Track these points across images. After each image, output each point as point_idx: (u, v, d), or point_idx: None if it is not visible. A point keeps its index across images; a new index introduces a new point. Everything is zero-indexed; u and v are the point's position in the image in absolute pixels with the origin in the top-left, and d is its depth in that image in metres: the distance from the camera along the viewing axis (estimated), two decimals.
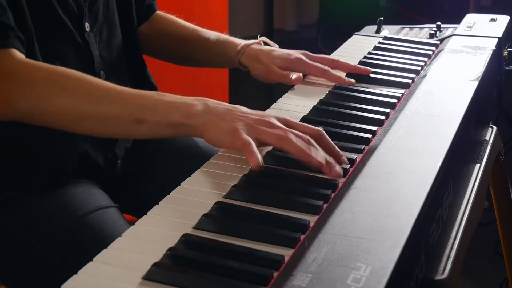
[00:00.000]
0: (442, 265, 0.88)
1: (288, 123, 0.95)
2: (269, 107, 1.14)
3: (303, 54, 1.29)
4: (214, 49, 1.34)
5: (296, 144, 0.90)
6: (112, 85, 0.99)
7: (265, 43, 1.34)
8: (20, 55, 1.00)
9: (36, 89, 0.97)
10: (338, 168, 0.88)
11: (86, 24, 1.15)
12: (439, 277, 0.85)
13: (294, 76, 1.24)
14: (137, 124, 0.96)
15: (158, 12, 1.40)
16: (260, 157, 0.89)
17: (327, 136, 0.94)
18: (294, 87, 1.25)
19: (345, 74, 1.28)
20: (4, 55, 0.98)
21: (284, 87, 1.27)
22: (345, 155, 0.94)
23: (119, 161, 1.24)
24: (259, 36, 1.35)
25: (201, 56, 1.37)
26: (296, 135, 0.91)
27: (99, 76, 1.16)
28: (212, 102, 0.96)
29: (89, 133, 1.03)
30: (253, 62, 1.29)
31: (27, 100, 0.97)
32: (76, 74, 1.00)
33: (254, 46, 1.31)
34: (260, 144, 0.93)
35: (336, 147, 0.94)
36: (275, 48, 1.32)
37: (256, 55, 1.29)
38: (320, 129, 0.95)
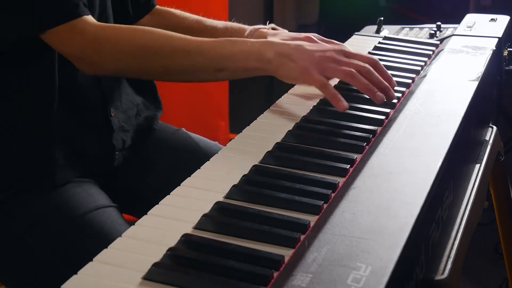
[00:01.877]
0: (442, 265, 0.88)
1: (347, 54, 1.09)
2: (269, 107, 1.14)
3: (312, 35, 1.26)
4: (223, 35, 1.33)
5: (363, 80, 1.05)
6: (190, 39, 1.08)
7: (274, 29, 1.33)
8: (93, 20, 1.07)
9: (120, 53, 1.07)
10: (392, 93, 1.08)
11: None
12: (439, 277, 0.85)
13: None
14: (218, 72, 1.08)
15: (160, 7, 1.40)
16: (343, 100, 1.03)
17: (381, 65, 1.11)
18: (295, 86, 1.25)
19: None
20: (83, 24, 1.06)
21: (284, 86, 1.27)
22: (345, 155, 0.94)
23: (117, 153, 1.24)
24: (268, 22, 1.35)
25: None
26: (358, 66, 1.06)
27: None
28: (280, 45, 1.07)
29: (174, 81, 1.17)
30: None
31: (116, 63, 1.08)
32: (156, 32, 1.08)
33: (263, 30, 1.31)
34: (328, 77, 1.06)
35: (388, 72, 1.11)
36: (286, 32, 1.31)
37: (265, 37, 1.27)
38: (375, 58, 1.11)
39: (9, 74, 1.10)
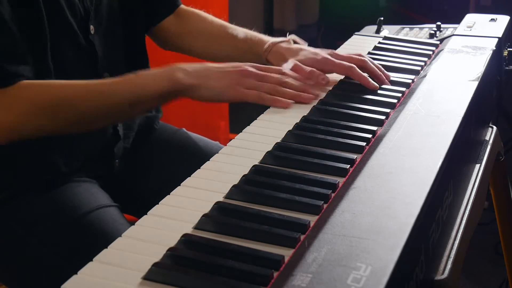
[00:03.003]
0: (442, 265, 0.88)
1: (260, 68, 1.13)
2: (268, 107, 1.14)
3: (330, 53, 1.26)
4: (242, 46, 1.33)
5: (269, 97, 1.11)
6: (101, 81, 1.08)
7: (295, 42, 1.32)
8: (24, 83, 1.03)
9: (36, 110, 1.03)
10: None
11: (91, 27, 1.15)
12: (439, 277, 0.85)
13: (322, 77, 1.21)
14: (133, 106, 1.08)
15: (185, 7, 1.39)
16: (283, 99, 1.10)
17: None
18: None
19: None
20: (9, 90, 1.02)
21: None
22: (345, 155, 0.94)
23: (117, 160, 1.24)
24: (288, 33, 1.33)
25: (228, 53, 1.36)
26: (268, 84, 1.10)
27: (102, 77, 1.17)
28: (189, 65, 1.09)
29: (95, 127, 1.14)
30: (279, 61, 1.26)
31: (31, 122, 1.04)
32: (69, 84, 1.06)
33: (283, 44, 1.29)
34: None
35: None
36: (303, 47, 1.29)
37: (282, 54, 1.27)
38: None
39: None
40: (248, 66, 1.12)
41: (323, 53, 1.25)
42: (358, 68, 1.22)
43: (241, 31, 1.34)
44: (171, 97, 1.09)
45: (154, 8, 1.34)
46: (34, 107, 1.03)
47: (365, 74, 1.20)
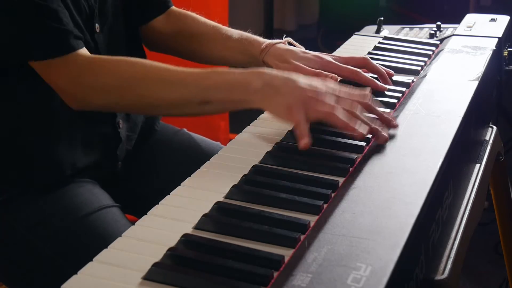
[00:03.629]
0: (442, 265, 0.88)
1: (338, 93, 1.00)
2: None
3: (332, 57, 1.24)
4: (237, 47, 1.31)
5: (342, 121, 0.96)
6: (174, 70, 1.04)
7: (290, 44, 1.31)
8: (84, 53, 1.05)
9: (105, 85, 1.04)
10: (384, 133, 0.97)
11: (96, 25, 1.15)
12: (439, 277, 0.85)
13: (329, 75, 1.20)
14: (204, 104, 1.02)
15: (176, 8, 1.38)
16: (308, 140, 0.94)
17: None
18: None
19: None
20: (70, 59, 1.04)
21: None
22: (345, 155, 0.94)
23: (120, 162, 1.24)
24: (284, 36, 1.33)
25: (222, 54, 1.34)
26: (344, 106, 0.98)
27: None
28: (268, 75, 1.00)
29: (160, 114, 1.14)
30: (278, 62, 1.25)
31: (99, 96, 1.05)
32: (140, 63, 1.05)
33: (280, 45, 1.27)
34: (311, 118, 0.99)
35: (385, 114, 1.02)
36: (302, 49, 1.27)
37: (282, 55, 1.25)
38: (368, 99, 1.02)
39: (20, 88, 1.11)
40: (332, 89, 1.00)
41: (326, 56, 1.24)
42: (361, 67, 1.22)
43: (235, 32, 1.32)
44: (244, 105, 1.01)
45: (144, 7, 1.32)
46: (102, 84, 1.04)
47: (370, 75, 1.20)
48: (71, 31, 1.04)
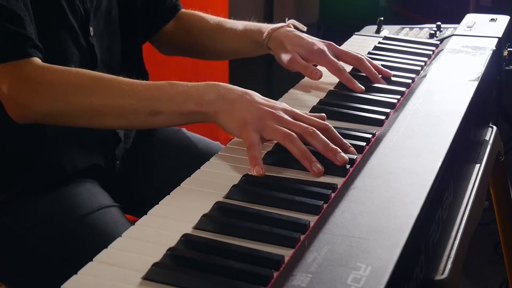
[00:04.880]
0: (442, 265, 0.88)
1: (296, 117, 0.96)
2: None
3: (328, 45, 1.25)
4: (243, 37, 1.32)
5: (299, 146, 0.91)
6: (125, 80, 1.00)
7: (294, 26, 1.30)
8: (37, 62, 1.01)
9: (53, 92, 0.99)
10: (343, 155, 0.91)
11: (91, 28, 1.15)
12: (439, 277, 0.85)
13: (316, 72, 1.20)
14: (153, 116, 0.98)
15: (184, 10, 1.39)
16: (261, 166, 0.90)
17: (333, 130, 0.96)
18: (295, 85, 1.25)
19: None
20: (21, 64, 1.00)
21: (283, 86, 1.27)
22: (345, 155, 0.94)
23: (118, 162, 1.24)
24: (287, 19, 1.33)
25: (232, 45, 1.35)
26: (301, 130, 0.93)
27: None
28: (223, 88, 0.97)
29: (108, 127, 1.07)
30: (277, 48, 1.26)
31: (46, 103, 1.00)
32: (90, 73, 1.01)
33: (282, 30, 1.27)
34: (265, 139, 0.95)
35: (343, 139, 0.95)
36: (302, 34, 1.27)
37: (281, 41, 1.25)
38: (327, 123, 0.96)
39: None
40: (289, 110, 0.98)
41: (320, 44, 1.24)
42: (354, 65, 1.23)
43: (239, 23, 1.34)
44: (196, 118, 0.99)
45: (155, 14, 1.33)
46: (49, 89, 1.00)
47: (351, 77, 1.20)
48: (31, 38, 1.01)
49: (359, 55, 1.24)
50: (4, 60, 1.00)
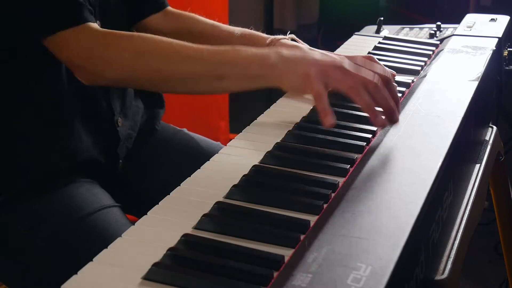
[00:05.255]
0: (442, 265, 0.88)
1: (358, 66, 0.99)
2: (269, 107, 1.14)
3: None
4: (239, 44, 1.32)
5: (364, 98, 0.95)
6: (191, 45, 1.02)
7: (294, 41, 1.31)
8: (97, 27, 1.04)
9: (119, 58, 1.02)
10: (396, 115, 0.97)
11: (98, 22, 1.15)
12: (439, 277, 0.85)
13: None
14: (219, 80, 1.00)
15: (173, 9, 1.38)
16: (332, 115, 0.93)
17: (393, 83, 1.01)
18: None
19: None
20: (83, 31, 1.02)
21: None
22: (345, 155, 0.94)
23: (120, 161, 1.24)
24: (288, 32, 1.32)
25: None
26: (365, 80, 0.96)
27: None
28: (286, 50, 0.99)
29: (176, 92, 1.10)
30: None
31: (113, 69, 1.03)
32: (155, 38, 1.03)
33: (285, 41, 1.26)
34: (330, 88, 0.97)
35: (397, 94, 1.01)
36: (306, 46, 1.25)
37: None
38: (388, 74, 1.01)
39: (18, 88, 1.11)
40: (350, 61, 0.99)
41: (331, 54, 1.21)
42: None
43: (236, 29, 1.32)
44: (261, 82, 0.99)
45: (139, 3, 1.32)
46: (117, 56, 1.02)
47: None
48: (84, 4, 1.03)
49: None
50: (65, 26, 1.01)
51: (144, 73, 1.03)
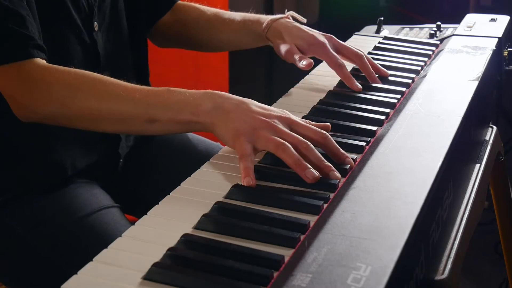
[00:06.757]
0: (442, 265, 0.88)
1: (292, 126, 0.94)
2: (270, 106, 1.14)
3: (328, 38, 1.24)
4: (241, 28, 1.31)
5: (293, 157, 0.89)
6: (124, 85, 0.99)
7: (293, 18, 1.30)
8: (39, 62, 1.01)
9: (51, 94, 0.99)
10: (335, 173, 0.88)
11: (95, 24, 1.15)
12: (439, 277, 0.85)
13: (304, 62, 1.18)
14: (150, 123, 0.97)
15: (180, 2, 1.39)
16: (252, 177, 0.88)
17: (331, 140, 0.93)
18: (294, 86, 1.25)
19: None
20: (24, 65, 1.00)
21: (284, 87, 1.27)
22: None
23: (121, 160, 1.24)
24: (286, 10, 1.32)
25: (229, 37, 1.34)
26: (295, 142, 0.91)
27: None
28: (220, 97, 0.96)
29: (107, 131, 1.05)
30: (276, 39, 1.25)
31: (46, 105, 1.00)
32: (90, 76, 1.01)
33: (282, 21, 1.27)
34: (259, 149, 0.93)
35: (341, 149, 0.93)
36: (302, 26, 1.27)
37: (280, 32, 1.25)
38: (324, 132, 0.94)
39: None
40: (285, 118, 0.95)
41: (321, 37, 1.24)
42: (353, 61, 1.23)
43: (237, 14, 1.33)
44: (193, 127, 0.98)
45: (154, 6, 1.33)
46: (48, 91, 0.99)
47: (349, 74, 1.20)
48: (33, 38, 1.01)
49: (359, 52, 1.24)
50: (7, 61, 0.99)
51: (75, 110, 0.99)
